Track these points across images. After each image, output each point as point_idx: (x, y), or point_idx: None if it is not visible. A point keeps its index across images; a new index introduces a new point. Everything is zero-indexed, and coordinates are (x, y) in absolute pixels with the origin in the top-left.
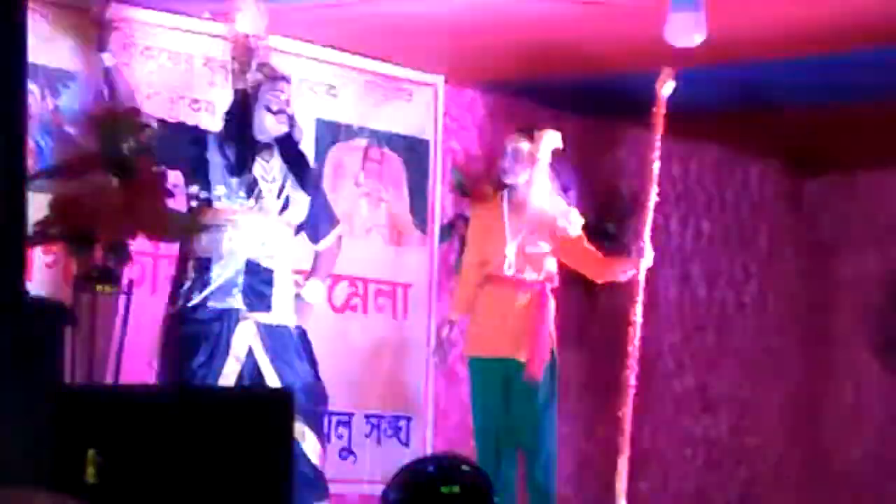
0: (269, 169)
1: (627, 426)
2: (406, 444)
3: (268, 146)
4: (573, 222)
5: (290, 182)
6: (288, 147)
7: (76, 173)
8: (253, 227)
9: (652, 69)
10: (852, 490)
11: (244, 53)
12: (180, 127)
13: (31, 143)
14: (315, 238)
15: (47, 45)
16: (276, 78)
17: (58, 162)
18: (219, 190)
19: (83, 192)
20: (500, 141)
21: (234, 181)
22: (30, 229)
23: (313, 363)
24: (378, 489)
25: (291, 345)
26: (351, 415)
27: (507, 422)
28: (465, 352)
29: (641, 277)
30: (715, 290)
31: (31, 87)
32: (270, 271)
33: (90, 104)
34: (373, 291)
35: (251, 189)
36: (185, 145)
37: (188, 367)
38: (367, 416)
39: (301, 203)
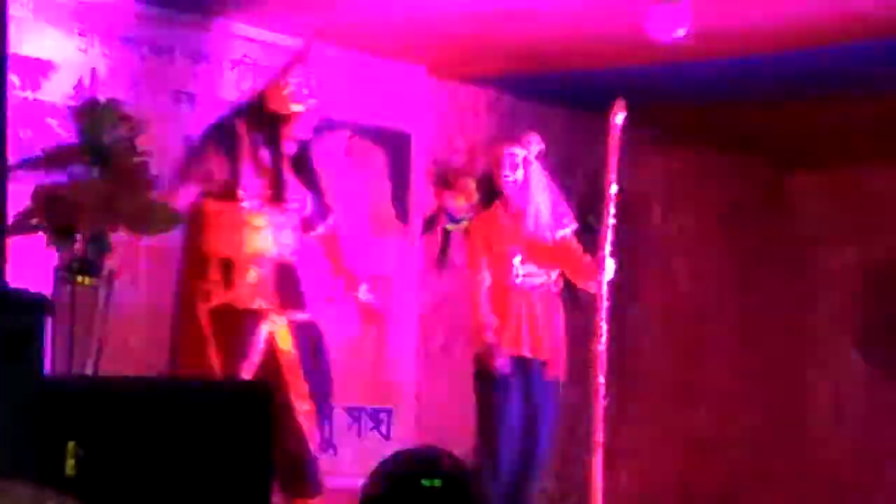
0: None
1: (600, 423)
2: (387, 437)
3: None
4: (565, 224)
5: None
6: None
7: (57, 165)
8: (277, 225)
9: (635, 63)
10: (835, 483)
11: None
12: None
13: (11, 134)
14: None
15: (29, 35)
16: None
17: (38, 153)
18: (249, 188)
19: (64, 184)
20: (482, 134)
21: (258, 182)
22: (10, 220)
23: (327, 358)
24: (359, 482)
25: (317, 340)
26: (332, 407)
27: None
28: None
29: (603, 290)
30: (698, 284)
31: (12, 77)
32: (296, 269)
33: (71, 95)
34: None
35: (274, 188)
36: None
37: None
38: (347, 409)
39: (304, 198)
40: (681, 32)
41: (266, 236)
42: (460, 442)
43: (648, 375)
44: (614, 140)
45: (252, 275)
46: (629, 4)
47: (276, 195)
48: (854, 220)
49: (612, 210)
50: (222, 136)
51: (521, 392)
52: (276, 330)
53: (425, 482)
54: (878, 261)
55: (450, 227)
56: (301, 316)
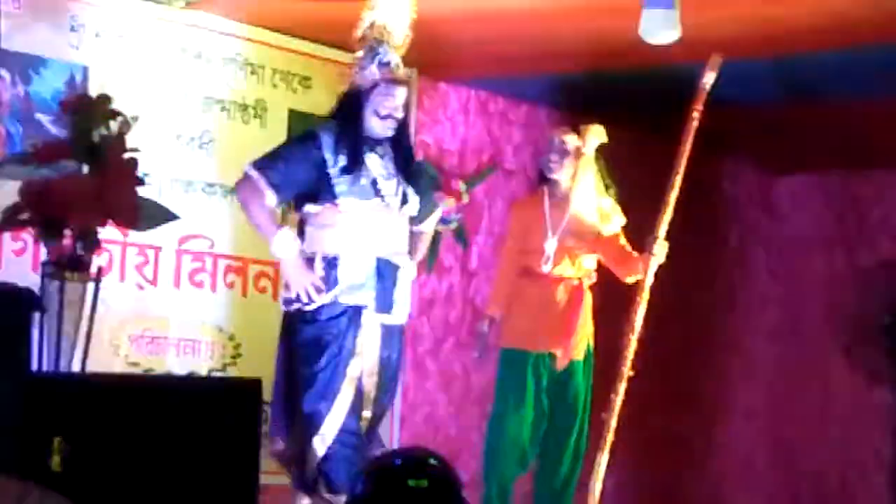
0: (385, 165)
1: (613, 423)
2: None
3: (380, 142)
4: (613, 220)
5: (401, 178)
6: (397, 147)
7: (47, 160)
8: (380, 224)
9: (626, 65)
10: (820, 488)
11: (370, 46)
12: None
13: (1, 130)
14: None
15: (19, 31)
16: (392, 81)
17: (28, 149)
18: (340, 188)
19: (53, 180)
20: (473, 135)
21: (350, 178)
22: None
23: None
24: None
25: (398, 343)
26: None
27: (540, 421)
28: (501, 343)
29: (650, 274)
30: (684, 287)
31: (2, 72)
32: (397, 268)
33: (62, 91)
34: None
35: (374, 186)
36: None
37: (314, 367)
38: None
39: (414, 199)
40: (673, 37)
41: (368, 234)
42: (447, 443)
43: (634, 378)
44: (700, 102)
45: (353, 272)
46: (624, 7)
47: (371, 190)
48: (841, 225)
49: (678, 184)
50: (305, 140)
51: (533, 387)
52: (367, 330)
53: (412, 482)
54: (866, 265)
55: (439, 228)
56: (393, 319)
